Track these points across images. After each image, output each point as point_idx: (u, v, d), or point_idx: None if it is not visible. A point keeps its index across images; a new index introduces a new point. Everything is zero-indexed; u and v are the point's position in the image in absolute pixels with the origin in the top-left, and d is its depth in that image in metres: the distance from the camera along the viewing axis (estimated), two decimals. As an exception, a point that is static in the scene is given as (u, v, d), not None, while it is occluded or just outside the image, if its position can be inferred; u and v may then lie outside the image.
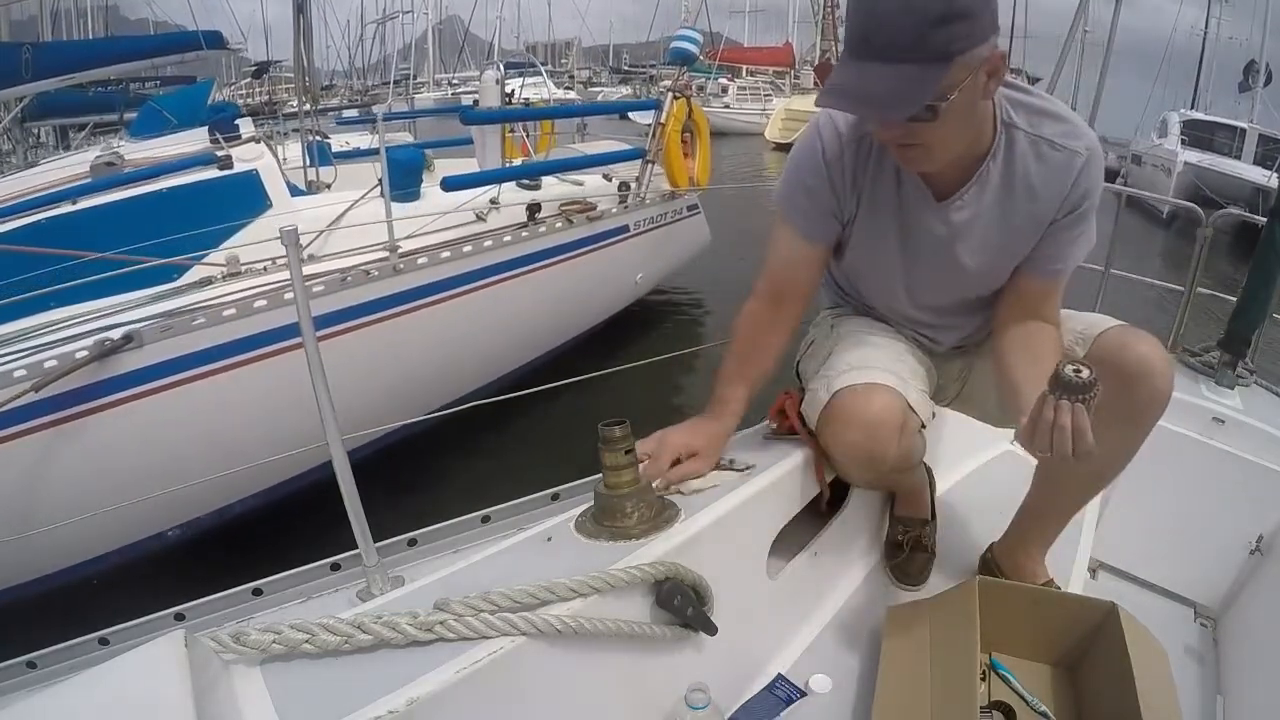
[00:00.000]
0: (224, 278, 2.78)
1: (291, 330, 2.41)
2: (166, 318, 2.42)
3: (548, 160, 4.72)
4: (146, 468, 2.36)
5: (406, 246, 3.04)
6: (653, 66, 28.89)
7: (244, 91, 14.54)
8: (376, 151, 3.14)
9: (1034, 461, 1.19)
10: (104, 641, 1.21)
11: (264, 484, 2.64)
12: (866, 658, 1.18)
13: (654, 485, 1.03)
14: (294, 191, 3.38)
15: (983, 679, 1.09)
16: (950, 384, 1.32)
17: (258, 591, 1.27)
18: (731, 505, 1.04)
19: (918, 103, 0.86)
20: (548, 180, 4.17)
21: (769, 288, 1.17)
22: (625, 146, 4.93)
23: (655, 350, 2.90)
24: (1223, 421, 1.74)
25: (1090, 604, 1.12)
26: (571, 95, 18.07)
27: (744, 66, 25.98)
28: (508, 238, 3.42)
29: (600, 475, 0.95)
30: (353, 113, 8.04)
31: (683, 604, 0.90)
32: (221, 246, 2.91)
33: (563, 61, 33.78)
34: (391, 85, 16.94)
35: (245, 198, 3.12)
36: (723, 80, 23.78)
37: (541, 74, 7.89)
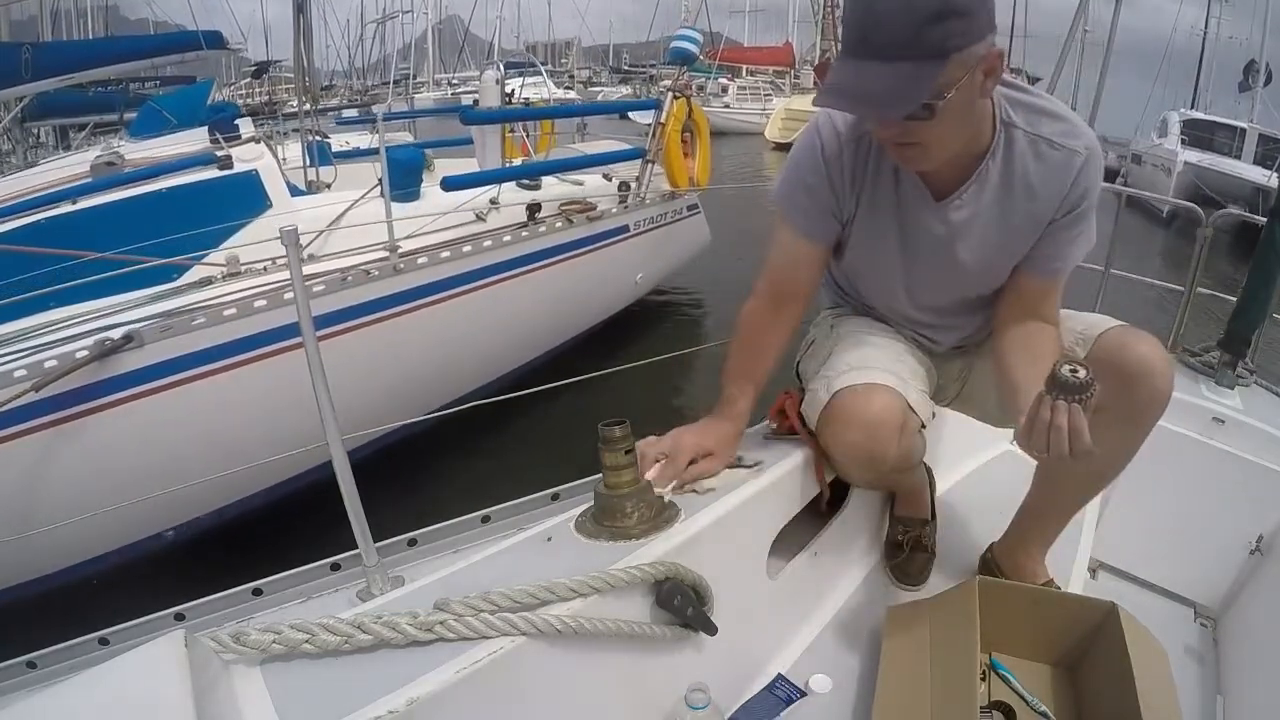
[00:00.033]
0: (224, 278, 2.78)
1: (291, 330, 2.41)
2: (166, 318, 2.42)
3: (548, 160, 4.72)
4: (146, 468, 2.36)
5: (406, 246, 3.04)
6: (653, 66, 28.87)
7: (244, 91, 14.55)
8: (376, 151, 3.14)
9: (1034, 461, 1.19)
10: (104, 641, 1.21)
11: (264, 484, 2.64)
12: (866, 658, 1.18)
13: (670, 486, 1.05)
14: (294, 191, 3.38)
15: (983, 679, 1.09)
16: (950, 384, 1.32)
17: (258, 591, 1.27)
18: (731, 505, 1.04)
19: (914, 101, 0.86)
20: (548, 180, 4.17)
21: (769, 287, 1.17)
22: (625, 146, 4.93)
23: (655, 350, 2.90)
24: (1223, 421, 1.74)
25: (1090, 604, 1.12)
26: (571, 95, 18.07)
27: (744, 66, 25.98)
28: (508, 238, 3.42)
29: (600, 475, 0.95)
30: (353, 113, 8.05)
31: (683, 604, 0.90)
32: (221, 246, 2.91)
33: (563, 61, 33.78)
34: (391, 85, 16.93)
35: (245, 198, 3.12)
36: (723, 80, 23.78)
37: (541, 74, 7.88)
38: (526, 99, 5.62)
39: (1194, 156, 11.33)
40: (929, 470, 1.46)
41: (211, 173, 3.14)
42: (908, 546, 1.37)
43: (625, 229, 4.21)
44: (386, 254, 2.95)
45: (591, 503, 0.98)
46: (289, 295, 2.37)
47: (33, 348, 2.24)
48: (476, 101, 4.72)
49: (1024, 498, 1.28)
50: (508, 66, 6.98)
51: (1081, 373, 0.81)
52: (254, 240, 2.88)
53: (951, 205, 1.06)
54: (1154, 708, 0.90)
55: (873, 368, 1.09)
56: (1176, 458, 1.56)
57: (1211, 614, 1.52)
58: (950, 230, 1.08)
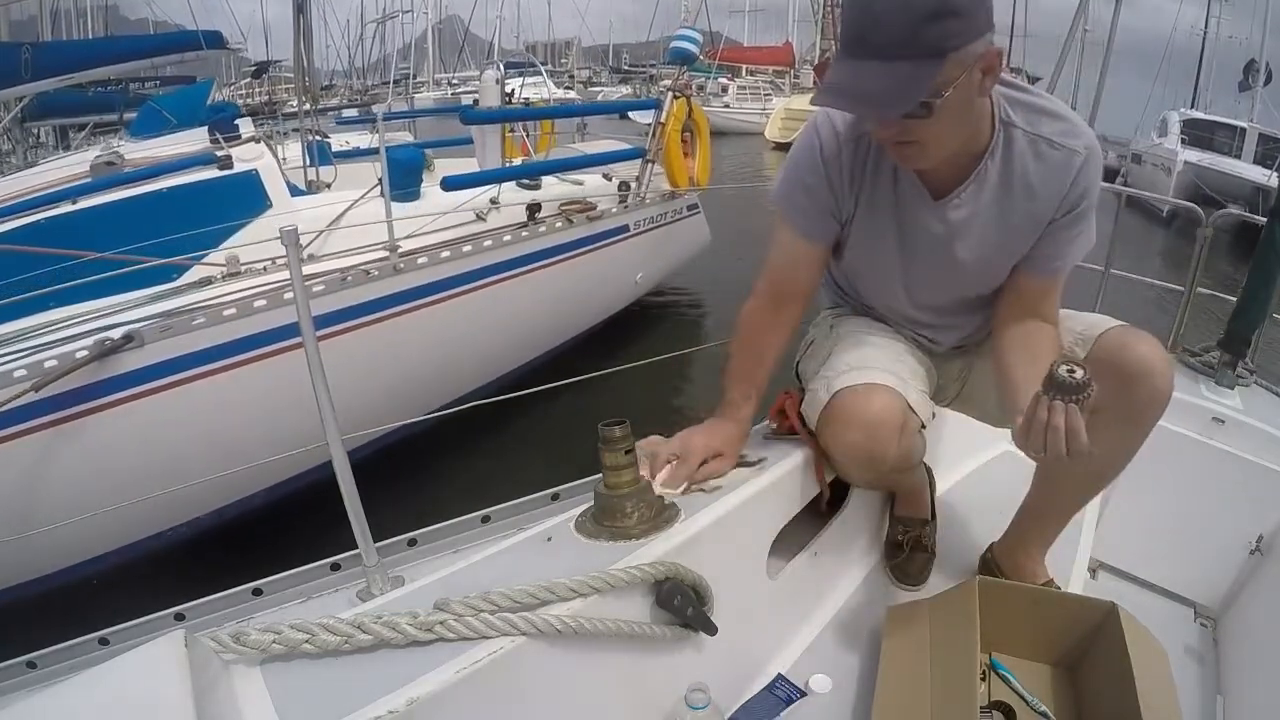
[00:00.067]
0: (224, 278, 2.78)
1: (291, 330, 2.41)
2: (166, 318, 2.42)
3: (548, 160, 4.72)
4: (146, 468, 2.36)
5: (406, 246, 3.04)
6: (653, 66, 28.85)
7: (244, 91, 14.54)
8: (376, 151, 3.14)
9: (1034, 461, 1.19)
10: (104, 641, 1.21)
11: (264, 484, 2.64)
12: (866, 658, 1.18)
13: (681, 488, 1.05)
14: (294, 191, 3.38)
15: (983, 679, 1.09)
16: (950, 384, 1.32)
17: (258, 591, 1.27)
18: (731, 505, 1.04)
19: (912, 100, 0.86)
20: (548, 180, 4.17)
21: (769, 288, 1.17)
22: (625, 146, 4.93)
23: (655, 350, 2.90)
24: (1223, 421, 1.74)
25: (1090, 604, 1.12)
26: (571, 95, 18.07)
27: (744, 66, 25.97)
28: (508, 237, 3.42)
29: (600, 475, 0.95)
30: (352, 112, 8.05)
31: (683, 604, 0.90)
32: (221, 246, 2.91)
33: (563, 61, 33.78)
34: (391, 85, 16.93)
35: (245, 197, 3.12)
36: (722, 80, 23.76)
37: (541, 74, 7.89)
38: (526, 99, 5.62)
39: (1194, 156, 11.34)
40: (929, 470, 1.46)
41: (211, 173, 3.14)
42: (908, 546, 1.37)
43: (625, 229, 4.21)
44: (386, 254, 2.95)
45: (591, 503, 0.98)
46: (289, 295, 2.37)
47: (33, 348, 2.24)
48: (476, 101, 4.72)
49: (1024, 498, 1.28)
50: (508, 66, 6.98)
51: (1079, 373, 0.81)
52: (254, 240, 2.89)
53: (950, 204, 1.06)
54: (1154, 708, 0.90)
55: (872, 368, 1.09)
56: (1176, 458, 1.56)
57: (1211, 614, 1.52)
58: (949, 229, 1.08)
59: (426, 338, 3.09)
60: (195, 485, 2.06)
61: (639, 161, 4.43)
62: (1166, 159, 11.90)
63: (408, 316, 2.97)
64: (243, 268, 2.80)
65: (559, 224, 3.76)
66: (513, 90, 5.06)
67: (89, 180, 3.17)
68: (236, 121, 4.08)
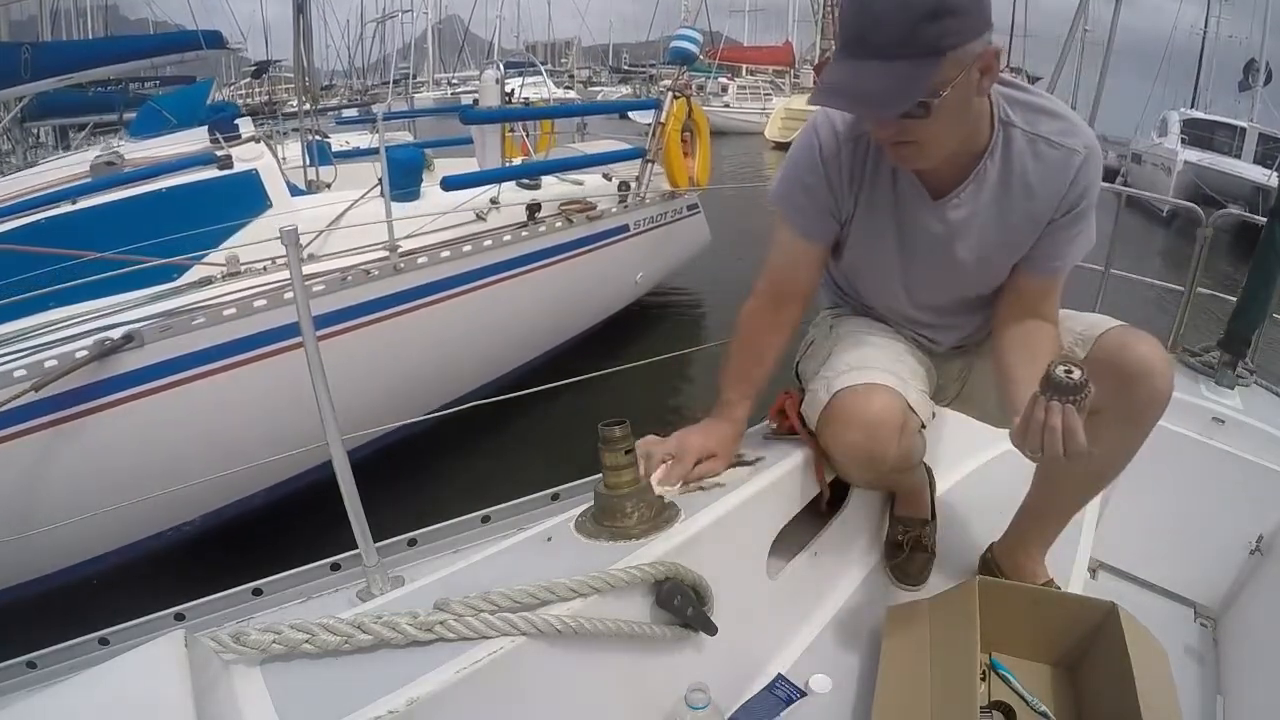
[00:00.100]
0: (224, 277, 2.78)
1: (291, 330, 2.41)
2: (166, 317, 2.41)
3: (548, 160, 4.72)
4: (146, 468, 2.35)
5: (406, 246, 3.04)
6: (652, 66, 28.86)
7: (244, 91, 14.54)
8: (376, 151, 3.14)
9: (1032, 461, 1.19)
10: (104, 641, 1.21)
11: (264, 484, 2.64)
12: (866, 658, 1.18)
13: (677, 486, 1.05)
14: (294, 191, 3.38)
15: (983, 679, 1.09)
16: (950, 384, 1.32)
17: (258, 591, 1.27)
18: (731, 505, 1.04)
19: (910, 99, 0.86)
20: (547, 180, 4.17)
21: (769, 288, 1.17)
22: (625, 146, 4.93)
23: (655, 350, 2.90)
24: (1223, 421, 1.74)
25: (1090, 604, 1.12)
26: (571, 95, 18.07)
27: (744, 66, 25.97)
28: (507, 237, 3.42)
29: (600, 475, 0.95)
30: (352, 112, 8.05)
31: (683, 604, 0.90)
32: (221, 246, 2.90)
33: (562, 61, 33.78)
34: (391, 85, 16.93)
35: (245, 197, 3.12)
36: (722, 79, 23.76)
37: (541, 73, 7.89)
38: (526, 99, 5.62)
39: (1194, 156, 11.34)
40: (929, 470, 1.46)
41: (211, 172, 3.14)
42: (908, 546, 1.37)
43: (625, 228, 4.21)
44: (386, 254, 2.94)
45: (591, 503, 0.98)
46: (289, 295, 2.37)
47: (33, 348, 2.24)
48: (476, 101, 4.72)
49: (1024, 498, 1.28)
50: (508, 66, 6.98)
51: (1076, 373, 0.81)
52: (254, 240, 2.88)
53: (949, 204, 1.06)
54: (1154, 708, 0.90)
55: (872, 368, 1.09)
56: (1176, 458, 1.56)
57: (1211, 614, 1.52)
58: (948, 229, 1.08)
59: (426, 338, 3.09)
60: (195, 485, 2.06)
61: (639, 161, 4.43)
62: (1166, 159, 11.90)
63: (408, 316, 2.97)
64: (243, 268, 2.80)
65: (559, 224, 3.75)
66: (512, 90, 5.06)
67: (89, 180, 3.17)
68: (236, 121, 4.07)
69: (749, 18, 37.53)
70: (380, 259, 2.92)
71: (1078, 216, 1.06)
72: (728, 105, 21.75)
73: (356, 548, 1.11)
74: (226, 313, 2.45)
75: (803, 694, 1.12)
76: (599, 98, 20.21)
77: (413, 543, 1.33)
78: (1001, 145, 1.02)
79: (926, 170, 1.04)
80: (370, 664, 0.71)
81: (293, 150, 4.16)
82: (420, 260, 3.01)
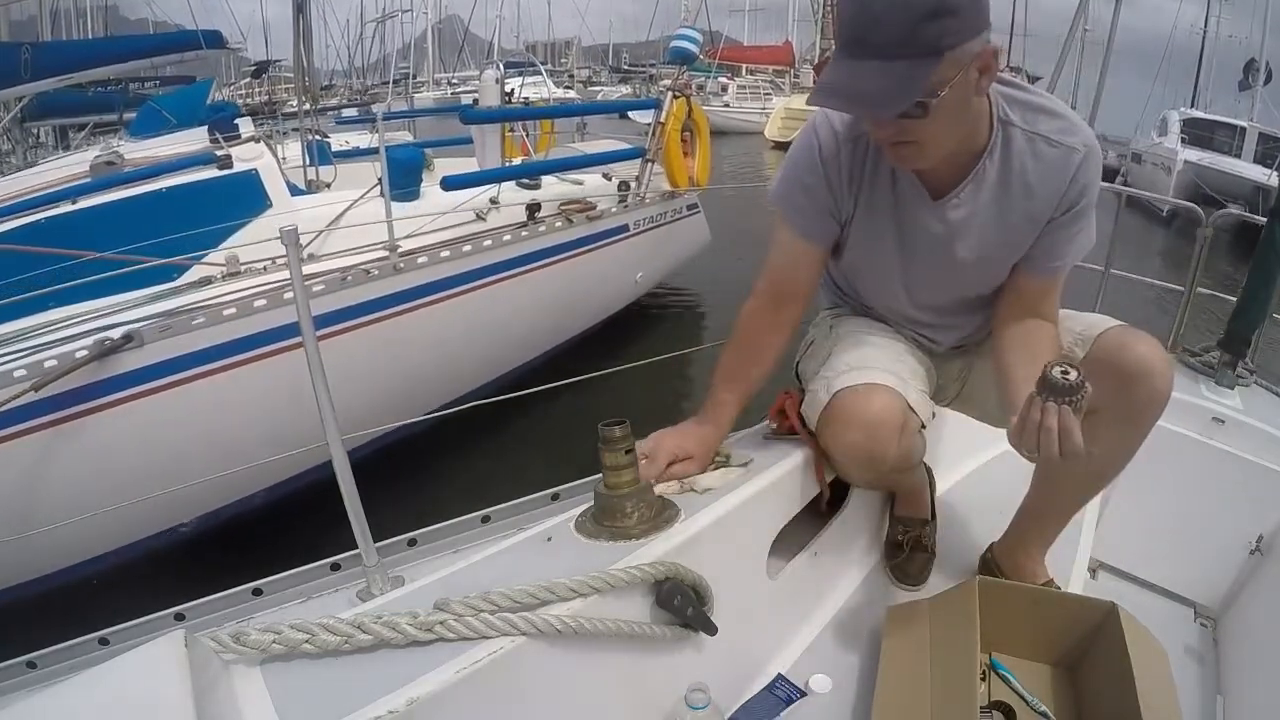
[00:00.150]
0: (224, 277, 2.78)
1: (291, 330, 2.41)
2: (166, 317, 2.41)
3: (548, 160, 4.72)
4: (146, 468, 2.36)
5: (406, 246, 3.04)
6: (652, 65, 28.87)
7: (243, 91, 14.54)
8: (376, 151, 3.14)
9: (1030, 462, 1.19)
10: (104, 641, 1.21)
11: (264, 484, 2.64)
12: (866, 658, 1.18)
13: (674, 486, 1.05)
14: (294, 191, 3.38)
15: (983, 679, 1.09)
16: (950, 384, 1.32)
17: (258, 591, 1.27)
18: (731, 505, 1.04)
19: (908, 99, 0.86)
20: (547, 180, 4.17)
21: (769, 288, 1.17)
22: (625, 146, 4.93)
23: (655, 350, 2.89)
24: (1223, 421, 1.74)
25: (1090, 604, 1.12)
26: (571, 94, 18.07)
27: (744, 65, 25.98)
28: (507, 237, 3.42)
29: (600, 475, 0.95)
30: (352, 112, 8.05)
31: (683, 604, 0.90)
32: (221, 246, 2.90)
33: (562, 61, 33.81)
34: (391, 84, 16.94)
35: (245, 197, 3.12)
36: (722, 79, 23.75)
37: (541, 73, 7.88)
38: (526, 98, 5.61)
39: (1194, 155, 11.35)
40: (929, 470, 1.46)
41: (211, 172, 3.14)
42: (908, 546, 1.37)
43: (625, 228, 4.21)
44: (386, 253, 2.94)
45: (591, 503, 0.98)
46: (289, 295, 2.37)
47: (33, 348, 2.24)
48: (476, 101, 4.72)
49: (1024, 498, 1.28)
50: (507, 66, 6.98)
51: (1072, 374, 0.81)
52: (254, 240, 2.88)
53: (949, 204, 1.06)
54: (1154, 708, 0.90)
55: (872, 368, 1.09)
56: (1176, 458, 1.56)
57: (1211, 614, 1.52)
58: (948, 229, 1.08)
59: (426, 338, 3.09)
60: (195, 485, 2.06)
61: (639, 161, 4.43)
62: (1166, 158, 11.91)
63: (408, 316, 2.97)
64: (242, 267, 2.80)
65: (559, 224, 3.75)
66: (512, 90, 5.06)
67: (89, 180, 3.16)
68: (236, 121, 4.07)
69: (749, 17, 37.57)
70: (380, 259, 2.92)
71: (1077, 215, 1.06)
72: (727, 105, 21.74)
73: (356, 548, 1.11)
74: (226, 313, 2.45)
75: (803, 694, 1.12)
76: (599, 97, 20.21)
77: (413, 543, 1.33)
78: (1001, 144, 1.02)
79: (926, 170, 1.04)
80: (370, 664, 0.71)
81: (293, 150, 4.16)
82: (420, 260, 3.01)
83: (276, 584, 1.28)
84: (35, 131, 6.88)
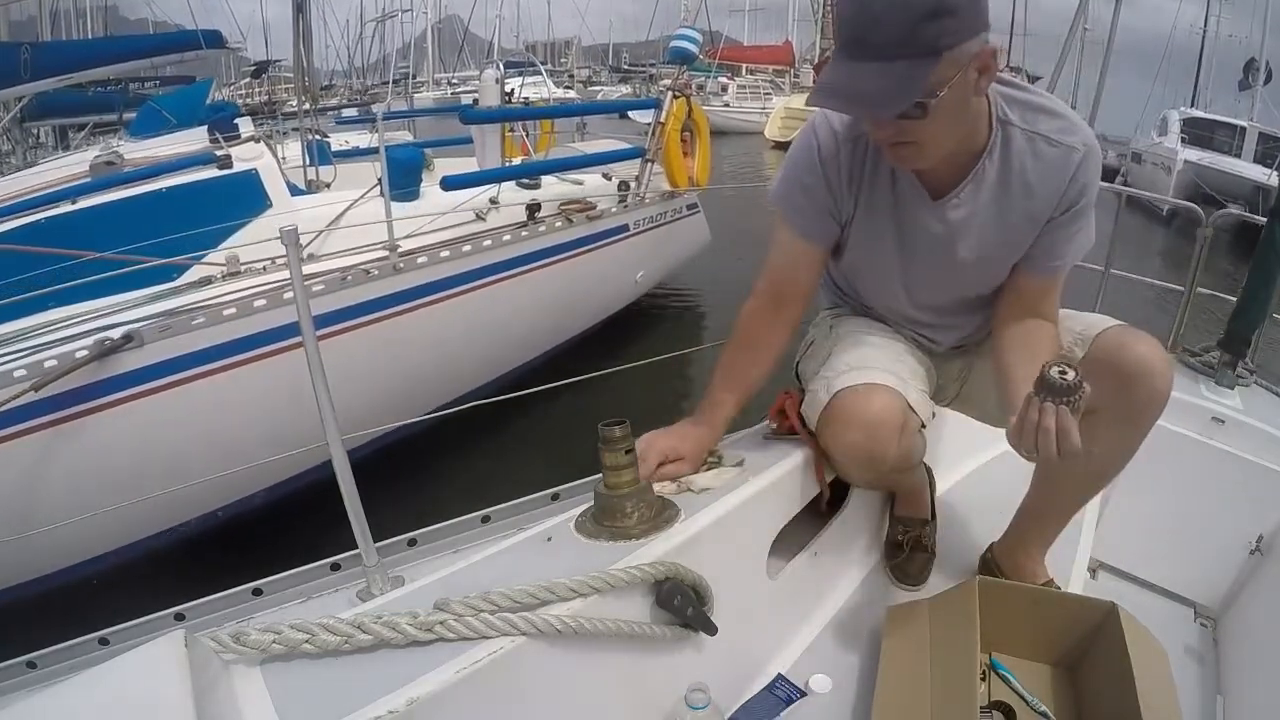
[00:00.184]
0: (223, 277, 2.78)
1: (291, 330, 2.41)
2: (166, 317, 2.41)
3: (547, 160, 4.72)
4: (146, 468, 2.35)
5: (406, 246, 3.04)
6: (652, 65, 28.89)
7: (243, 91, 14.55)
8: (376, 151, 3.14)
9: (1029, 462, 1.19)
10: (104, 641, 1.21)
11: (264, 484, 2.64)
12: (866, 658, 1.18)
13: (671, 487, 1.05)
14: (294, 191, 3.38)
15: (983, 679, 1.09)
16: (950, 384, 1.32)
17: (258, 591, 1.27)
18: (731, 505, 1.04)
19: (907, 100, 0.86)
20: (547, 179, 4.17)
21: (769, 288, 1.17)
22: (625, 146, 4.93)
23: (655, 350, 2.89)
24: (1223, 421, 1.74)
25: (1090, 604, 1.12)
26: (571, 94, 18.07)
27: (743, 65, 25.98)
28: (507, 237, 3.42)
29: (600, 475, 0.95)
30: (352, 112, 8.05)
31: (683, 604, 0.90)
32: (221, 246, 2.90)
33: (562, 60, 33.81)
34: (391, 84, 16.95)
35: (245, 197, 3.12)
36: (722, 79, 23.75)
37: (541, 73, 7.89)
38: (526, 98, 5.61)
39: (1194, 155, 11.35)
40: (929, 470, 1.46)
41: (211, 172, 3.14)
42: (908, 546, 1.37)
43: (625, 228, 4.21)
44: (386, 253, 2.94)
45: (591, 503, 0.98)
46: (289, 295, 2.37)
47: (33, 348, 2.24)
48: (476, 101, 4.72)
49: (1024, 498, 1.28)
50: (507, 66, 6.99)
51: (1070, 374, 0.81)
52: (254, 240, 2.88)
53: (949, 204, 1.06)
54: (1154, 708, 0.90)
55: (872, 368, 1.09)
56: (1176, 458, 1.56)
57: (1211, 614, 1.52)
58: (948, 229, 1.08)
59: (426, 338, 3.09)
60: (195, 485, 2.06)
61: (639, 161, 4.43)
62: (1166, 158, 11.91)
63: (408, 316, 2.97)
64: (242, 267, 2.80)
65: (559, 224, 3.75)
66: (512, 90, 5.06)
67: (89, 180, 3.16)
68: (236, 121, 4.08)
69: (749, 17, 37.55)
70: (380, 259, 2.92)
71: (1077, 214, 1.06)
72: (727, 105, 21.73)
73: (356, 548, 1.11)
74: (226, 313, 2.45)
75: (803, 694, 1.12)
76: (599, 97, 20.22)
77: (413, 543, 1.33)
78: (1000, 144, 1.02)
79: (926, 170, 1.04)
80: (370, 664, 0.71)
81: (293, 150, 4.16)
82: (420, 260, 3.01)
83: (276, 584, 1.28)
84: (35, 131, 6.88)
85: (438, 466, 3.18)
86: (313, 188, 3.80)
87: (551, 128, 5.65)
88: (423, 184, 3.87)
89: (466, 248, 3.22)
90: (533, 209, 3.78)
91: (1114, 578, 1.61)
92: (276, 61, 12.68)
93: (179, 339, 2.37)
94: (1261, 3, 17.70)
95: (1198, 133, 12.36)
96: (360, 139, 5.56)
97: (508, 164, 4.36)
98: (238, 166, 3.18)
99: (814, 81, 1.00)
